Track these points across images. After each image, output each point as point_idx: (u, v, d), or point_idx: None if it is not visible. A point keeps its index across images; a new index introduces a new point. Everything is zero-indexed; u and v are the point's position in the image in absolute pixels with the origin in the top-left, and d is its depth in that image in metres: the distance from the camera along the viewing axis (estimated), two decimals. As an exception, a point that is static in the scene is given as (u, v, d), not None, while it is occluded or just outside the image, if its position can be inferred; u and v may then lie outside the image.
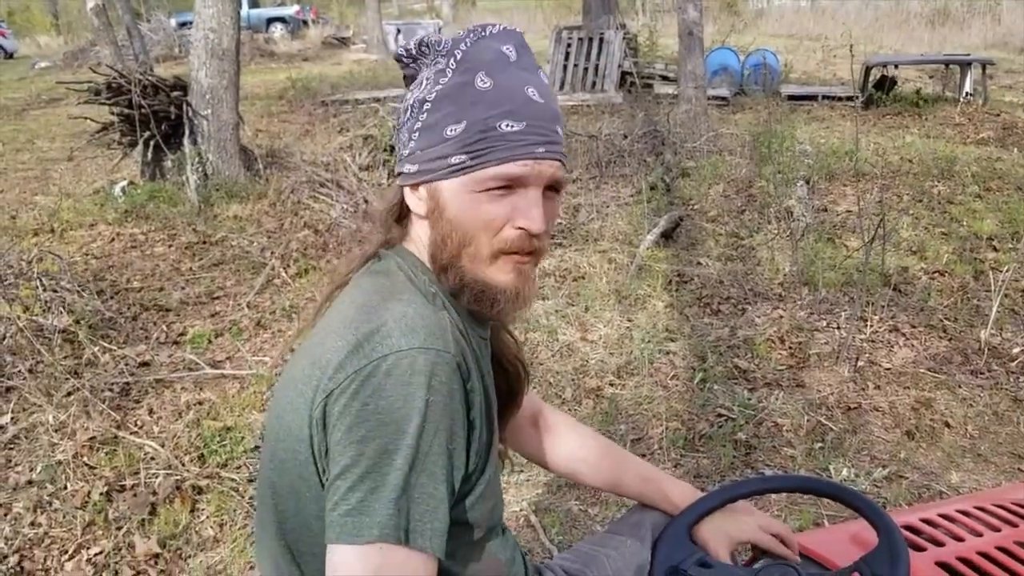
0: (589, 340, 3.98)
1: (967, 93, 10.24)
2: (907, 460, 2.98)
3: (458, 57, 1.02)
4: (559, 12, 25.87)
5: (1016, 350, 3.71)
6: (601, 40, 11.64)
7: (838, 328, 3.95)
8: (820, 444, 3.08)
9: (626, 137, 7.42)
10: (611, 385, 3.57)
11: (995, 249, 5.03)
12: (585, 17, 12.78)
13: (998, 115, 9.33)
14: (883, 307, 4.08)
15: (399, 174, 1.08)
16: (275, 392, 1.09)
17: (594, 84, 11.48)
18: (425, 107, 1.03)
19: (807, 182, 6.06)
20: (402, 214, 1.11)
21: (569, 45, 11.74)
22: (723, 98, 10.42)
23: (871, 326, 3.91)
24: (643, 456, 3.03)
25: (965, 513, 1.39)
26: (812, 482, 1.45)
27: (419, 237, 1.09)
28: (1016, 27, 21.29)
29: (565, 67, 11.67)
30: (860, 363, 3.61)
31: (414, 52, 1.07)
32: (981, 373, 3.55)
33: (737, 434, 3.14)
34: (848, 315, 3.98)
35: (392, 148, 6.31)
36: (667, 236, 5.29)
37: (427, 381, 0.91)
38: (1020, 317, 4.14)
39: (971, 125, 8.85)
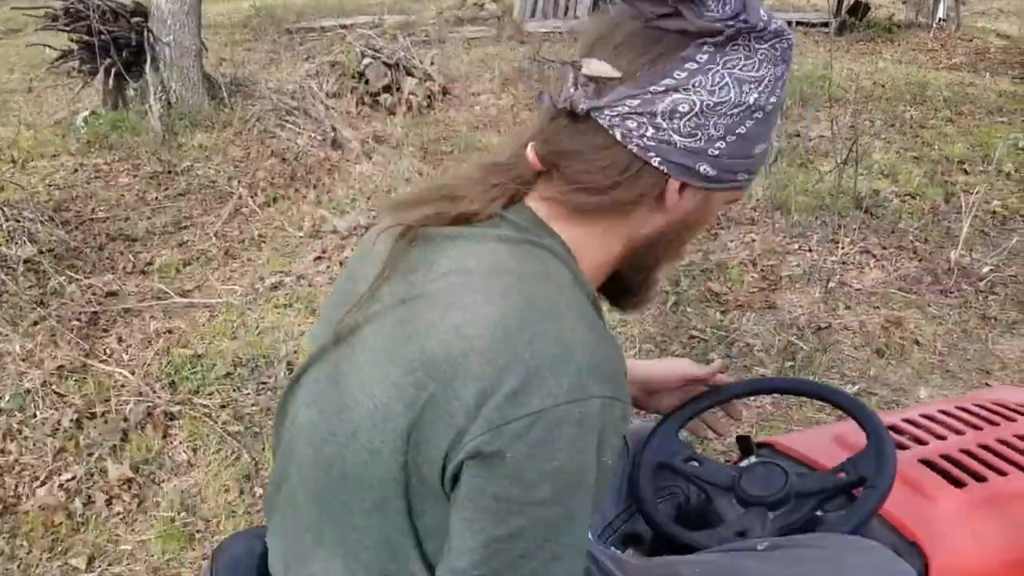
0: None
1: (940, 19, 10.18)
2: (877, 377, 3.02)
3: (787, 63, 0.87)
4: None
5: (985, 269, 3.75)
6: (573, -35, 11.39)
7: (810, 251, 3.96)
8: (791, 363, 3.11)
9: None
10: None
11: (966, 172, 5.05)
12: (556, -59, 12.47)
13: (971, 40, 9.31)
14: (855, 230, 4.09)
15: (680, 165, 0.85)
16: (334, 373, 0.89)
17: (566, 10, 11.27)
18: (756, 115, 0.87)
19: (781, 107, 6.03)
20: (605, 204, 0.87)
21: (539, -30, 11.48)
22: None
23: (842, 248, 3.93)
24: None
25: (947, 414, 1.41)
26: (801, 384, 1.45)
27: (591, 233, 0.90)
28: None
29: (536, -7, 11.42)
30: (831, 284, 3.63)
31: (728, 15, 0.82)
32: (951, 292, 3.59)
33: (709, 355, 3.16)
34: (820, 238, 3.99)
35: (361, 75, 6.21)
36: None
37: (616, 443, 0.79)
38: (990, 238, 4.18)
39: (944, 50, 8.83)
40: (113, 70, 5.79)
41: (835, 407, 1.30)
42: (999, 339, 3.26)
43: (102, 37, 5.66)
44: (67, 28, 5.88)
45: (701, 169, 0.86)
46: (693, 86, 0.82)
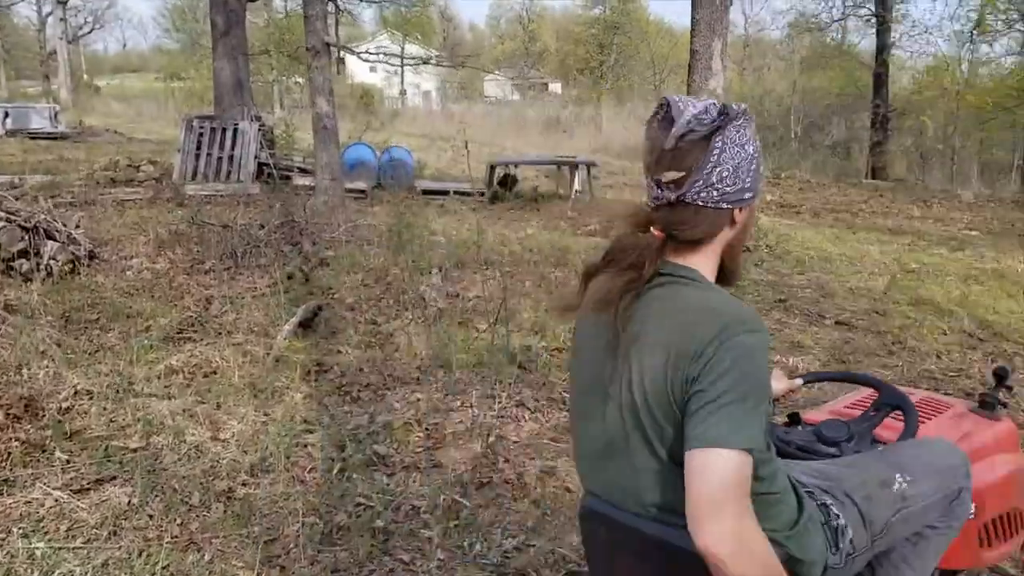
0: (221, 439, 3.74)
1: (577, 191, 11.49)
2: (534, 529, 3.12)
3: (753, 122, 1.55)
4: (191, 101, 25.12)
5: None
6: (235, 130, 11.44)
7: (471, 407, 4.11)
8: (456, 522, 3.13)
9: (263, 227, 7.27)
10: (244, 485, 3.37)
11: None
12: (217, 107, 12.52)
13: (603, 210, 10.56)
14: (510, 384, 4.33)
15: (738, 203, 1.54)
16: (635, 358, 1.50)
17: (229, 174, 11.20)
18: (756, 156, 1.55)
19: (440, 270, 6.35)
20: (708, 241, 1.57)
21: (201, 134, 11.39)
22: (361, 191, 10.68)
23: (500, 403, 4.12)
24: (277, 556, 2.88)
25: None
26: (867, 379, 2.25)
27: (705, 255, 1.58)
28: (614, 135, 24.42)
29: (197, 156, 11.27)
30: (491, 439, 3.77)
31: (715, 117, 1.50)
32: (596, 439, 3.86)
33: (375, 522, 3.10)
34: (479, 394, 4.16)
35: None
36: (305, 326, 5.21)
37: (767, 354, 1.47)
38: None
39: (581, 218, 9.90)
40: None
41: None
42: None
43: None
44: None
45: (745, 196, 1.54)
46: (723, 160, 1.49)
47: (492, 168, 11.55)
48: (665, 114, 1.51)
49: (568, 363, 1.76)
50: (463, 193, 11.38)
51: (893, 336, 5.91)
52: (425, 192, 11.18)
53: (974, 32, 19.29)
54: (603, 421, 1.56)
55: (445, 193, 11.22)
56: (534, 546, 3.01)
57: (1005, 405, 2.32)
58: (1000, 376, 2.26)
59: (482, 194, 11.28)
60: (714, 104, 1.50)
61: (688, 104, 1.49)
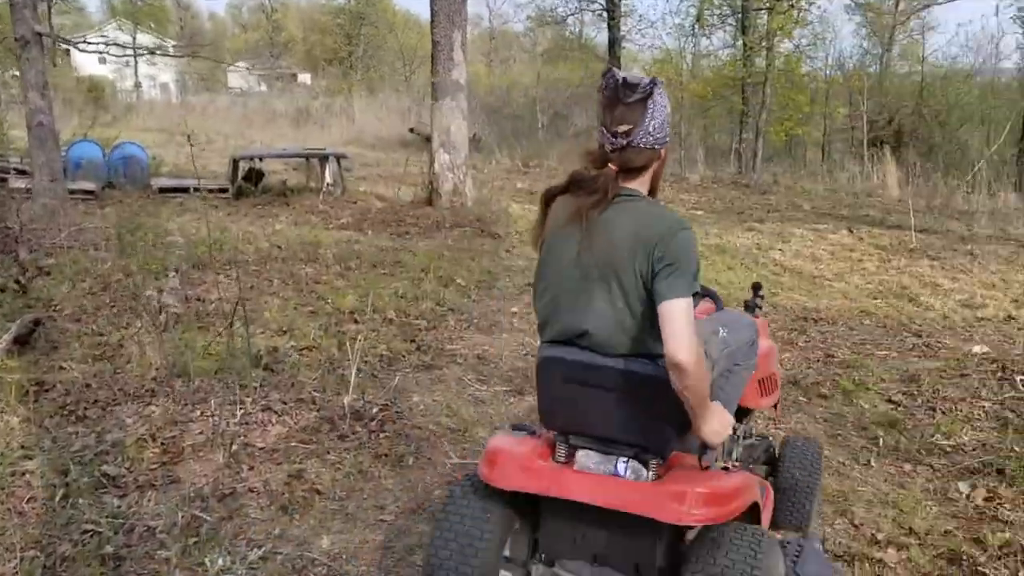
0: (-85, 477, 3.29)
1: (328, 184, 11.24)
2: (281, 535, 3.01)
3: (665, 90, 2.16)
4: None
5: (375, 410, 4.05)
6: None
7: (212, 415, 3.89)
8: (195, 539, 2.95)
9: (-32, 236, 6.50)
10: (-55, 526, 2.98)
11: (356, 321, 5.48)
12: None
13: (355, 202, 10.41)
14: (256, 388, 4.14)
15: (662, 145, 2.18)
16: (585, 251, 2.17)
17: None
18: (669, 113, 2.17)
19: (177, 272, 5.97)
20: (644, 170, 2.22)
21: None
22: (89, 192, 9.84)
23: (244, 408, 3.93)
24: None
25: None
26: None
27: (643, 181, 2.22)
28: (367, 126, 24.17)
29: None
30: (235, 447, 3.58)
31: (647, 84, 2.11)
32: (347, 436, 3.79)
33: (104, 548, 2.85)
34: (219, 401, 3.95)
35: None
36: (22, 342, 4.71)
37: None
38: (378, 380, 4.56)
39: (333, 211, 9.71)
40: None
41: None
42: (390, 474, 3.51)
43: None
44: None
45: (666, 139, 2.16)
46: (655, 116, 2.10)
47: (235, 162, 11.03)
48: (613, 84, 2.14)
49: (536, 270, 2.31)
50: (205, 189, 10.80)
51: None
52: (162, 190, 10.49)
53: (695, 26, 20.90)
54: (576, 291, 2.21)
55: (184, 190, 10.57)
56: (281, 553, 2.89)
57: (760, 307, 3.27)
58: (756, 288, 3.31)
59: (225, 190, 10.76)
60: (645, 77, 2.15)
61: (626, 76, 2.16)
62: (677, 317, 2.05)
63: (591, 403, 2.23)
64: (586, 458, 2.26)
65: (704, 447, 2.26)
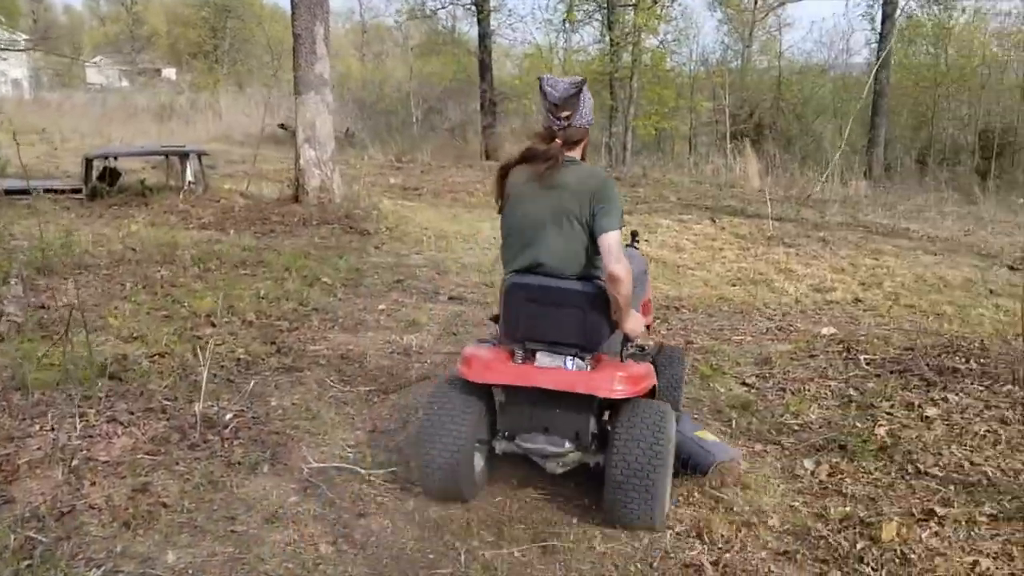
0: None
1: (189, 182, 10.82)
2: (123, 552, 2.86)
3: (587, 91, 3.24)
4: None
5: (228, 416, 3.92)
6: None
7: (52, 430, 3.67)
8: (29, 562, 2.77)
9: None
10: None
11: (213, 325, 5.29)
12: None
13: (219, 201, 10.05)
14: (101, 399, 3.94)
15: (587, 126, 3.27)
16: (544, 201, 3.15)
17: None
18: (592, 103, 3.26)
19: (19, 278, 5.63)
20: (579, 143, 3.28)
21: None
22: (-78, 195, 9.16)
23: (87, 421, 3.73)
24: None
25: None
26: None
27: (578, 151, 3.27)
28: (235, 122, 23.43)
29: None
30: (75, 462, 3.39)
31: (579, 83, 3.17)
32: (198, 446, 3.64)
33: None
34: (60, 414, 3.73)
35: None
36: None
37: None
38: (235, 385, 4.41)
39: (194, 211, 9.35)
40: None
41: None
42: (243, 482, 3.39)
43: None
44: None
45: (591, 120, 3.28)
46: (584, 103, 3.20)
47: (89, 162, 10.48)
48: (550, 85, 3.16)
49: (502, 221, 3.30)
50: (56, 191, 10.23)
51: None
52: (8, 192, 9.86)
53: (565, 22, 21.17)
54: (535, 232, 3.17)
55: (31, 192, 9.97)
56: (122, 571, 2.76)
57: (638, 248, 4.18)
58: (634, 235, 4.28)
59: (78, 191, 10.22)
60: (577, 78, 3.22)
61: (559, 80, 3.18)
62: (613, 243, 3.06)
63: (546, 316, 3.20)
64: (543, 357, 3.23)
65: (625, 342, 3.38)
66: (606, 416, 3.39)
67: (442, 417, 3.21)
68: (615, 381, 3.14)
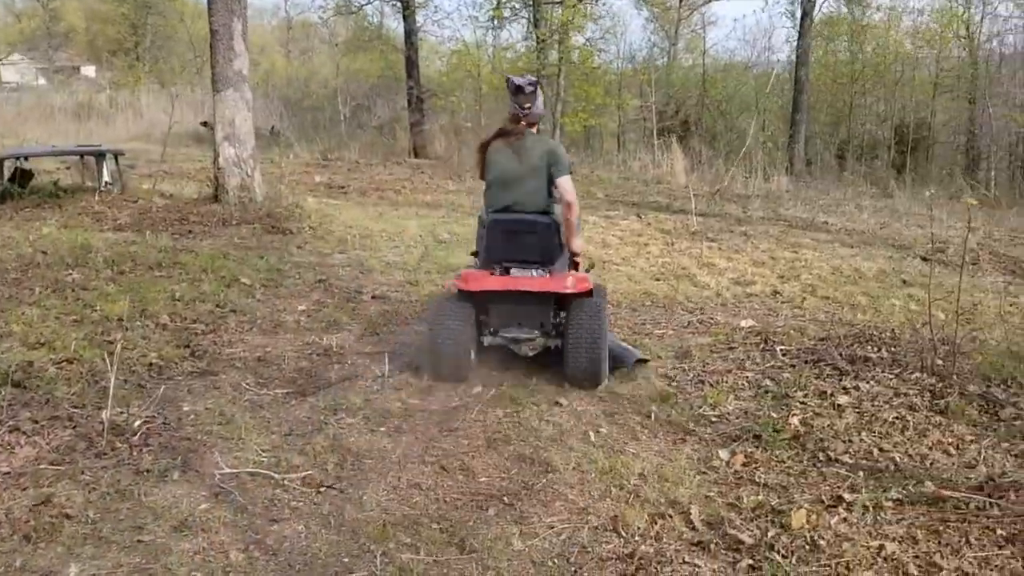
0: None
1: (106, 182, 10.50)
2: (23, 567, 2.76)
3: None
4: None
5: (137, 423, 3.81)
6: None
7: (-52, 442, 3.52)
8: (-81, 582, 2.65)
9: None
10: None
11: (126, 329, 5.14)
12: None
13: (136, 201, 9.77)
14: (3, 408, 3.79)
15: (540, 114, 4.93)
16: (516, 161, 4.74)
17: None
18: (543, 98, 4.92)
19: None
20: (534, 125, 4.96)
21: None
22: None
23: (-13, 431, 3.58)
24: None
25: None
26: None
27: (536, 128, 4.97)
28: (156, 121, 22.82)
29: None
30: (-27, 476, 3.26)
31: (534, 82, 4.78)
32: (104, 454, 3.53)
33: None
34: (-45, 426, 3.58)
35: None
36: None
37: None
38: (146, 390, 4.29)
39: (110, 212, 9.07)
40: None
41: None
42: (152, 490, 3.29)
43: None
44: None
45: (543, 110, 4.97)
46: (539, 96, 4.79)
47: (0, 163, 10.10)
48: (515, 85, 4.66)
49: (486, 178, 4.82)
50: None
51: (423, 304, 6.26)
52: None
53: (492, 19, 21.17)
54: (511, 182, 4.69)
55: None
56: (19, 586, 2.65)
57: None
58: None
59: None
60: (532, 77, 4.75)
61: (521, 78, 4.66)
62: (567, 183, 4.69)
63: (517, 241, 4.69)
64: (516, 271, 4.70)
65: (573, 258, 5.01)
66: (561, 315, 4.75)
67: (447, 320, 4.55)
68: (568, 283, 4.64)
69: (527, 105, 4.69)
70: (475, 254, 5.07)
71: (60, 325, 5.15)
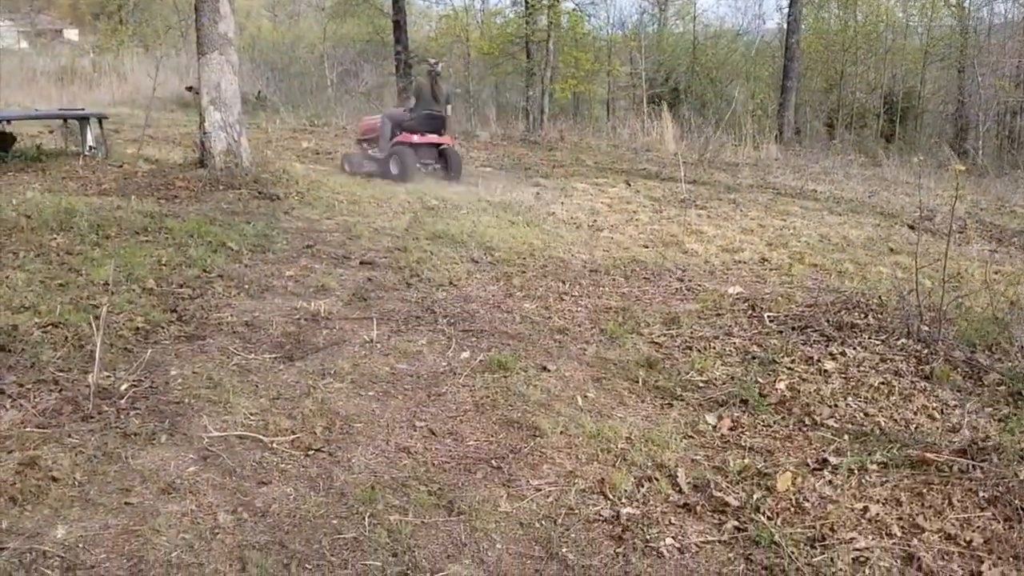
0: None
1: (90, 147, 10.41)
2: (9, 529, 2.75)
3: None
4: None
5: (124, 386, 3.80)
6: None
7: (-67, 405, 3.50)
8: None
9: None
10: None
11: (112, 293, 5.10)
12: None
13: (121, 166, 9.69)
14: (-13, 372, 3.77)
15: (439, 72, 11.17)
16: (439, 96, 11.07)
17: None
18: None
19: None
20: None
21: None
22: None
23: (-28, 395, 3.56)
24: None
25: None
26: None
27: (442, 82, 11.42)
28: (140, 85, 22.53)
29: None
30: (-42, 438, 3.24)
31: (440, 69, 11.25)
32: (91, 417, 3.52)
33: None
34: (-59, 388, 3.56)
35: None
36: None
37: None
38: (132, 354, 4.26)
39: (94, 177, 8.99)
40: None
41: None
42: (139, 453, 3.29)
43: None
44: None
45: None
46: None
47: (-19, 127, 9.98)
48: (432, 63, 11.01)
49: (417, 99, 10.74)
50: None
51: (411, 270, 6.24)
52: None
53: (481, -17, 20.95)
54: (430, 100, 10.91)
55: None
56: (7, 548, 2.65)
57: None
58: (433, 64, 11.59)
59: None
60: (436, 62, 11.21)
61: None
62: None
63: (432, 123, 10.84)
64: (429, 135, 10.72)
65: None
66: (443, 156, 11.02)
67: (405, 153, 10.41)
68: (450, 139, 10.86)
69: (439, 66, 9.64)
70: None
71: (45, 289, 5.11)
